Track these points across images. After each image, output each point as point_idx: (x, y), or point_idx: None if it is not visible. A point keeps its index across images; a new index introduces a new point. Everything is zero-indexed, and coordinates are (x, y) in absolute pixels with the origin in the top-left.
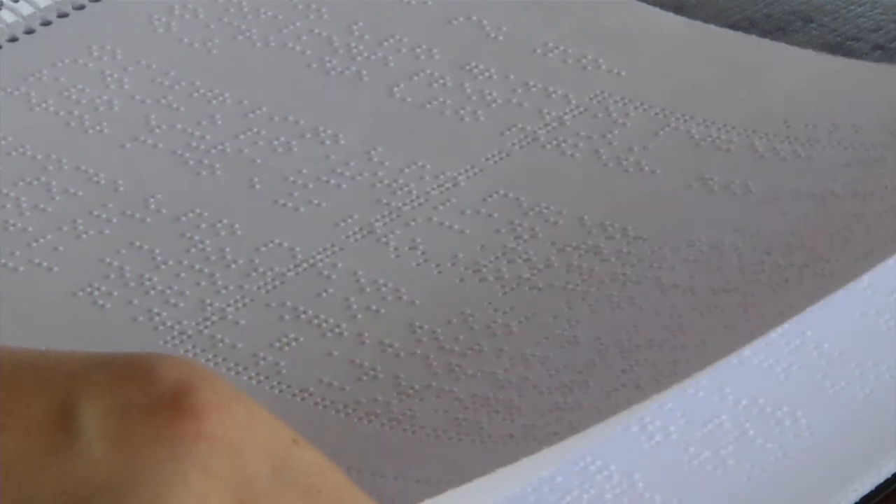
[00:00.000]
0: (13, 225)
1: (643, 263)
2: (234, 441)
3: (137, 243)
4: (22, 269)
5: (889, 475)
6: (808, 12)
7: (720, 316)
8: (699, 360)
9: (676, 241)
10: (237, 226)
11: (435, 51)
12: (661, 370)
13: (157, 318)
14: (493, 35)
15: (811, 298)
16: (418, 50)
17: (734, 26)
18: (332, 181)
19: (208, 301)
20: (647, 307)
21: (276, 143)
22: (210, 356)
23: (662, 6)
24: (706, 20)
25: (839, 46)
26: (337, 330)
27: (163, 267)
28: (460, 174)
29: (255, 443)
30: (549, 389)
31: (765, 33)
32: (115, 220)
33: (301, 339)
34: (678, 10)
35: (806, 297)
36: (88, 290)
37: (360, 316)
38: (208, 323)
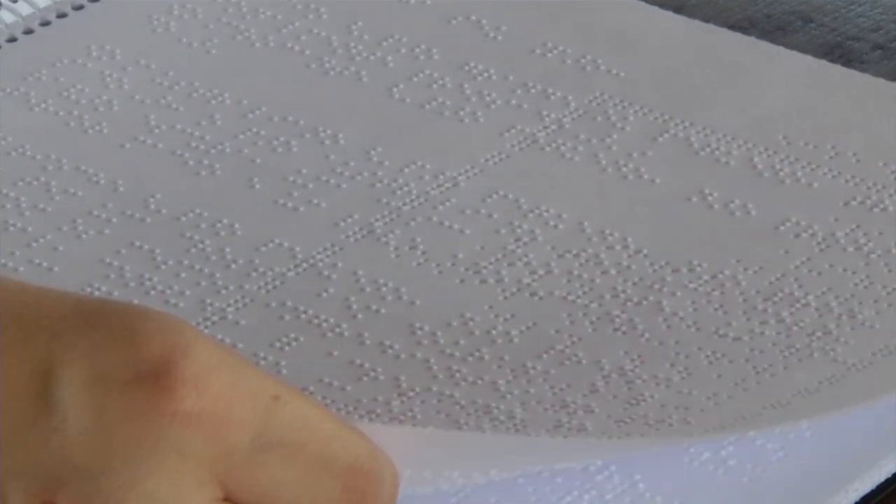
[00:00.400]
0: (13, 225)
1: (644, 282)
2: (212, 416)
3: (137, 243)
4: (22, 269)
5: (889, 475)
6: (807, 12)
7: (730, 370)
8: (714, 420)
9: (677, 261)
10: (237, 226)
11: (434, 51)
12: (672, 414)
13: None
14: (492, 35)
15: (824, 392)
16: (417, 50)
17: (734, 26)
18: (332, 181)
19: (208, 301)
20: (651, 336)
21: (275, 143)
22: None
23: (662, 6)
24: (706, 20)
25: (839, 46)
26: (337, 330)
27: (163, 267)
28: (460, 174)
29: (236, 413)
30: (553, 406)
31: (765, 33)
32: (115, 220)
33: (301, 339)
34: (678, 9)
35: (819, 385)
36: (88, 289)
37: (360, 316)
38: (208, 323)
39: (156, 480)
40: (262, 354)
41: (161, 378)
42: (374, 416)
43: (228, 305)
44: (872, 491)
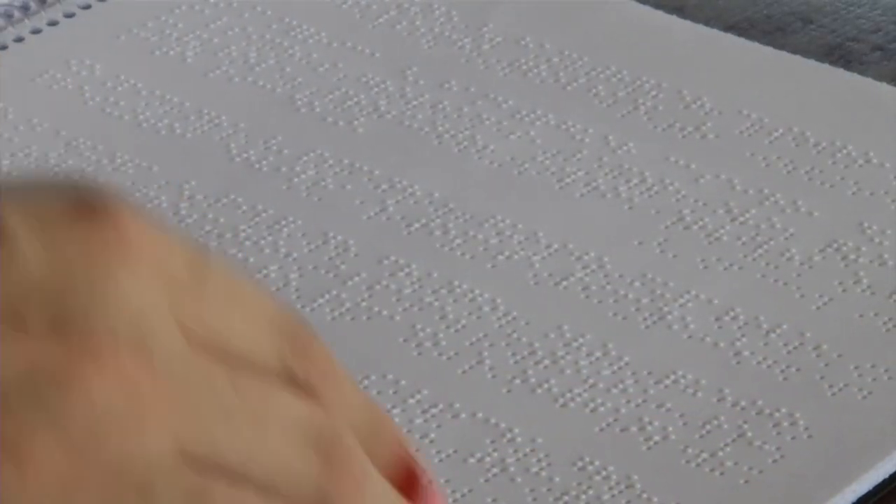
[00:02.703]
0: None
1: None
2: (153, 250)
3: None
4: None
5: (886, 476)
6: (807, 13)
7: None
8: None
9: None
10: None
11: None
12: None
13: None
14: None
15: None
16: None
17: (734, 27)
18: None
19: None
20: None
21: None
22: None
23: (663, 7)
24: (706, 21)
25: (839, 47)
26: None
27: None
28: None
29: (171, 252)
30: None
31: (765, 34)
32: None
33: None
34: (678, 10)
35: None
36: None
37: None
38: None
39: (114, 295)
40: None
41: (99, 213)
42: None
43: None
44: (870, 492)
